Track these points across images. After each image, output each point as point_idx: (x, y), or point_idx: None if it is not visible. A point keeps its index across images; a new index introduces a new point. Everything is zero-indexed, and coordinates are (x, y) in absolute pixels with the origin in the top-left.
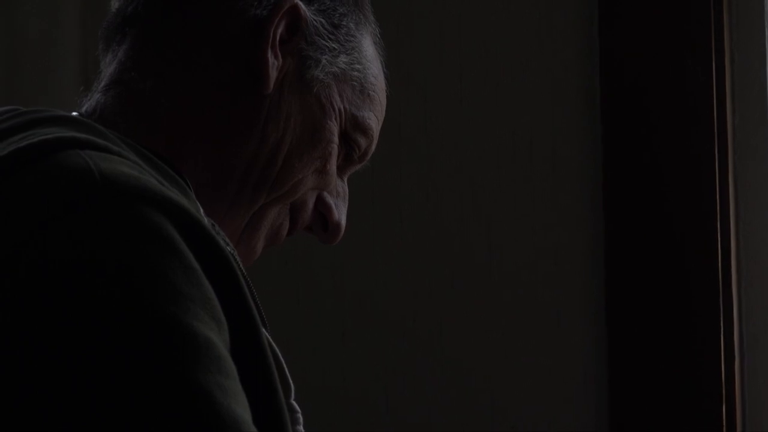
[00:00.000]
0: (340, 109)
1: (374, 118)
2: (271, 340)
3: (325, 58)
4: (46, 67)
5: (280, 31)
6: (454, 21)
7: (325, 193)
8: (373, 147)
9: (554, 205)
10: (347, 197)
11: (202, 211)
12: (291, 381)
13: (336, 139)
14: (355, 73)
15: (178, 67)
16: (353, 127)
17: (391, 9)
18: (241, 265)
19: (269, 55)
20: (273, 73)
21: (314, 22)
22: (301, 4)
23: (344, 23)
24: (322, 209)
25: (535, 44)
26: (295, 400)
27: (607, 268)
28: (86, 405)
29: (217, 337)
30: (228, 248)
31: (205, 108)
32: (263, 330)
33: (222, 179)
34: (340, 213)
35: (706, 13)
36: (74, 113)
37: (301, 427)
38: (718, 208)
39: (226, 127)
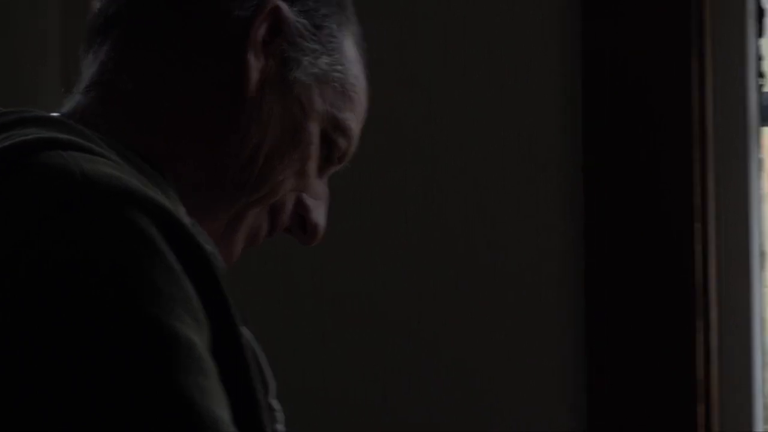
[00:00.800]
0: (320, 111)
1: (355, 120)
2: (251, 338)
3: (307, 60)
4: (21, 68)
5: (262, 32)
6: (458, 22)
7: (305, 195)
8: (354, 148)
9: (554, 206)
10: (327, 198)
11: (183, 210)
12: (272, 379)
13: (316, 140)
14: (336, 75)
15: (156, 68)
16: (333, 128)
17: (395, 10)
18: (221, 265)
19: (251, 56)
20: (254, 75)
21: (296, 23)
22: (283, 5)
23: (326, 24)
24: (302, 211)
25: (539, 45)
26: (277, 398)
27: (587, 270)
28: (75, 404)
29: (198, 336)
30: (209, 248)
31: (183, 108)
32: (242, 328)
33: (202, 179)
34: (319, 214)
35: (688, 12)
36: (54, 114)
37: (281, 426)
38: (698, 208)
39: (204, 128)
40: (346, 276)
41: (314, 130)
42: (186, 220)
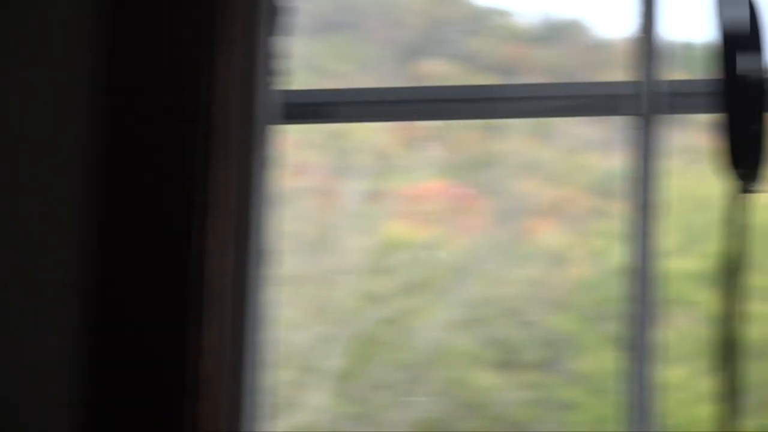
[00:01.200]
0: None
1: None
2: None
3: None
4: None
5: None
6: None
7: None
8: None
9: (66, 198)
10: None
11: None
12: None
13: None
14: None
15: None
16: None
17: None
18: None
19: None
20: None
21: None
22: None
23: None
24: None
25: (66, 39)
26: None
27: (95, 262)
28: None
29: None
30: None
31: None
32: None
33: None
34: None
35: (199, 11)
36: None
37: None
38: (199, 204)
39: None
40: None
41: None
42: None
